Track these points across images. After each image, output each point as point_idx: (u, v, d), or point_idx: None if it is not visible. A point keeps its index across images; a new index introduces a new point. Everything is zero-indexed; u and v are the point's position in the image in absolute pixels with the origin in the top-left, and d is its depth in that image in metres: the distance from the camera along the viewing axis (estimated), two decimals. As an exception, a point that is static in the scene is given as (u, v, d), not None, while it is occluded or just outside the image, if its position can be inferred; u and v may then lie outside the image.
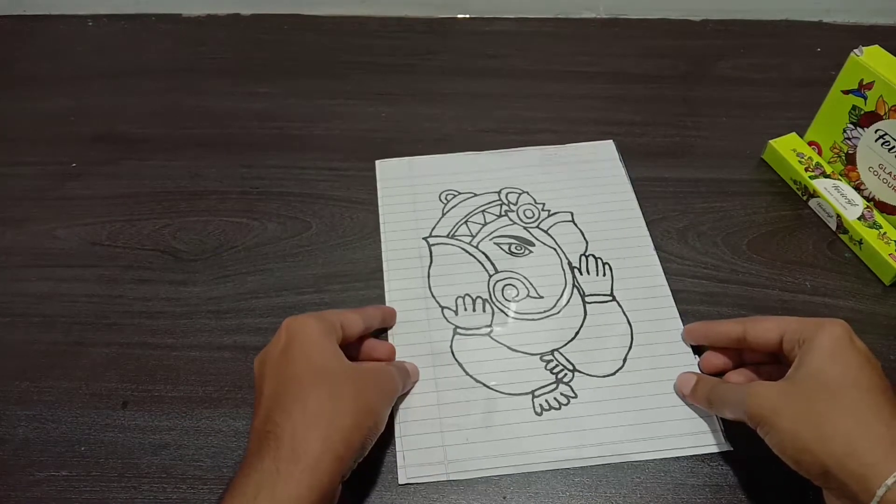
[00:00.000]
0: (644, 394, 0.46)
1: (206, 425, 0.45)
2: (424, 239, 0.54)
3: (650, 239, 0.54)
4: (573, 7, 0.76)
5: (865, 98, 0.52)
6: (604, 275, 0.52)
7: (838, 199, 0.54)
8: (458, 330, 0.49)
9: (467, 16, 0.76)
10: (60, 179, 0.60)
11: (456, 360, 0.47)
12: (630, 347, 0.48)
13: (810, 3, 0.74)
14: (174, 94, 0.68)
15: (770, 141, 0.59)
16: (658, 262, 0.53)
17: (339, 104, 0.66)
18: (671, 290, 0.51)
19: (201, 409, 0.45)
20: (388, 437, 0.44)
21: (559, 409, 0.45)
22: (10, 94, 0.68)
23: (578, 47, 0.73)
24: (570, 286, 0.52)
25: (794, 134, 0.60)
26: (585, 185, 0.58)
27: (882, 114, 0.51)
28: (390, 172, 0.59)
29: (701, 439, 0.43)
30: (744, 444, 0.43)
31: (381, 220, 0.56)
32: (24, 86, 0.69)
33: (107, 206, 0.58)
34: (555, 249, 0.54)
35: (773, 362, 0.44)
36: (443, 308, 0.50)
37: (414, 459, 0.43)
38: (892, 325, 0.49)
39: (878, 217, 0.53)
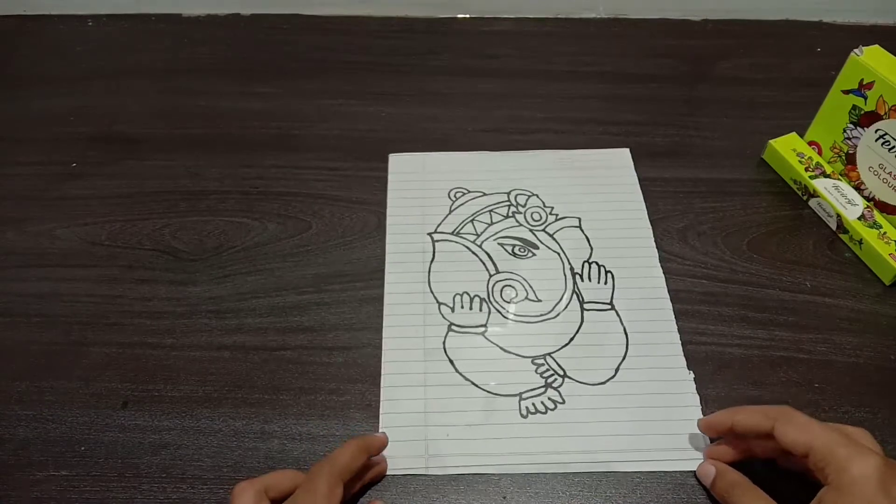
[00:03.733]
0: (633, 405, 0.45)
1: (206, 425, 0.45)
2: (429, 234, 0.54)
3: (656, 251, 0.54)
4: (573, 7, 0.76)
5: (865, 98, 0.52)
6: (605, 283, 0.52)
7: (838, 198, 0.54)
8: (453, 327, 0.49)
9: (467, 16, 0.76)
10: (60, 179, 0.60)
11: (447, 356, 0.47)
12: (624, 358, 0.48)
13: (810, 3, 0.74)
14: (174, 94, 0.68)
15: (770, 141, 0.59)
16: (662, 275, 0.52)
17: (339, 104, 0.66)
18: (671, 291, 0.51)
19: (201, 409, 0.45)
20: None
21: (545, 413, 0.45)
22: (10, 94, 0.68)
23: (578, 47, 0.73)
24: (569, 292, 0.51)
25: (794, 134, 0.60)
26: (597, 191, 0.58)
27: (882, 113, 0.51)
28: (403, 167, 0.59)
29: (686, 455, 0.43)
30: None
31: (388, 213, 0.56)
32: (24, 86, 0.69)
33: (107, 206, 0.58)
34: (558, 254, 0.54)
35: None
36: (440, 304, 0.50)
37: (395, 451, 0.43)
38: (892, 325, 0.49)
39: (878, 217, 0.53)
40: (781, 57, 0.71)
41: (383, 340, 0.48)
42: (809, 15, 0.75)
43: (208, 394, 0.46)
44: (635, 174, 0.59)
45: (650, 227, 0.55)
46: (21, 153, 0.62)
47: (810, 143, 0.59)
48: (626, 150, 0.61)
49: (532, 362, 0.47)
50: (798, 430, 0.37)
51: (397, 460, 0.43)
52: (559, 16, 0.76)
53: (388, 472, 0.42)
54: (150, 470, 0.43)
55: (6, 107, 0.67)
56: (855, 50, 0.52)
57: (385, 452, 0.43)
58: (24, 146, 0.63)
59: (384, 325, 0.49)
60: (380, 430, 0.44)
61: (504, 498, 0.41)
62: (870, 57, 0.51)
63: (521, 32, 0.75)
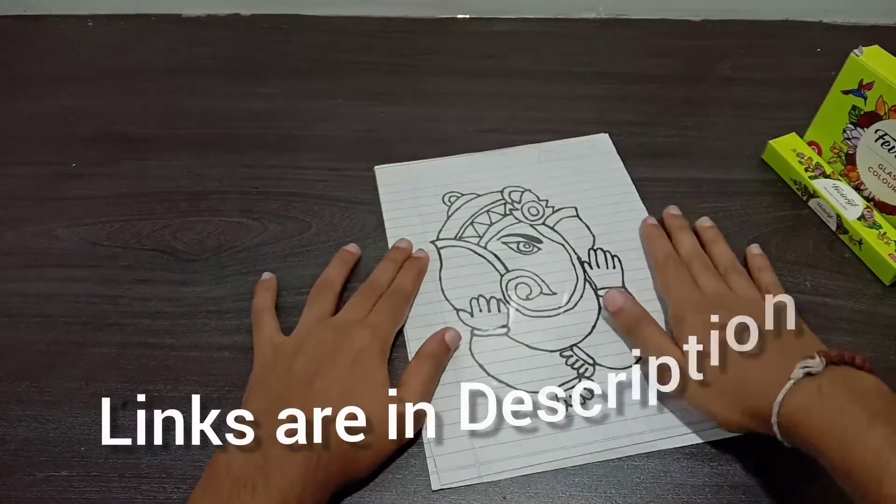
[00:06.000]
0: None
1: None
2: (432, 242, 0.54)
3: None
4: (573, 7, 0.76)
5: (865, 98, 0.52)
6: (613, 267, 0.53)
7: (838, 199, 0.54)
8: (476, 331, 0.49)
9: (467, 16, 0.76)
10: (60, 179, 0.60)
11: (476, 361, 0.47)
12: None
13: (810, 3, 0.74)
14: (174, 94, 0.68)
15: (770, 141, 0.59)
16: None
17: (339, 104, 0.66)
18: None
19: (201, 409, 0.45)
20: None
21: (584, 403, 0.45)
22: (10, 94, 0.68)
23: (578, 47, 0.73)
24: (581, 281, 0.52)
25: (794, 134, 0.60)
26: (585, 179, 0.59)
27: (882, 114, 0.51)
28: (390, 178, 0.59)
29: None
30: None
31: (386, 226, 0.55)
32: (24, 86, 0.69)
33: (107, 206, 0.58)
34: (563, 245, 0.54)
35: None
36: (458, 311, 0.50)
37: (446, 464, 0.42)
38: (892, 325, 0.49)
39: (878, 217, 0.53)
40: (781, 57, 0.71)
41: (410, 356, 0.47)
42: (809, 15, 0.75)
43: (208, 394, 0.46)
44: (619, 157, 0.60)
45: (644, 207, 0.56)
46: (21, 153, 0.62)
47: (810, 144, 0.59)
48: (605, 135, 0.62)
49: (560, 355, 0.48)
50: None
51: (449, 473, 0.42)
52: (559, 16, 0.76)
53: (438, 486, 0.42)
54: (150, 470, 0.43)
55: (6, 107, 0.67)
56: (855, 50, 0.52)
57: (433, 466, 0.42)
58: (24, 146, 0.63)
59: (407, 339, 0.48)
60: (426, 446, 0.43)
61: (504, 498, 0.41)
62: (870, 57, 0.51)
63: (520, 32, 0.75)
